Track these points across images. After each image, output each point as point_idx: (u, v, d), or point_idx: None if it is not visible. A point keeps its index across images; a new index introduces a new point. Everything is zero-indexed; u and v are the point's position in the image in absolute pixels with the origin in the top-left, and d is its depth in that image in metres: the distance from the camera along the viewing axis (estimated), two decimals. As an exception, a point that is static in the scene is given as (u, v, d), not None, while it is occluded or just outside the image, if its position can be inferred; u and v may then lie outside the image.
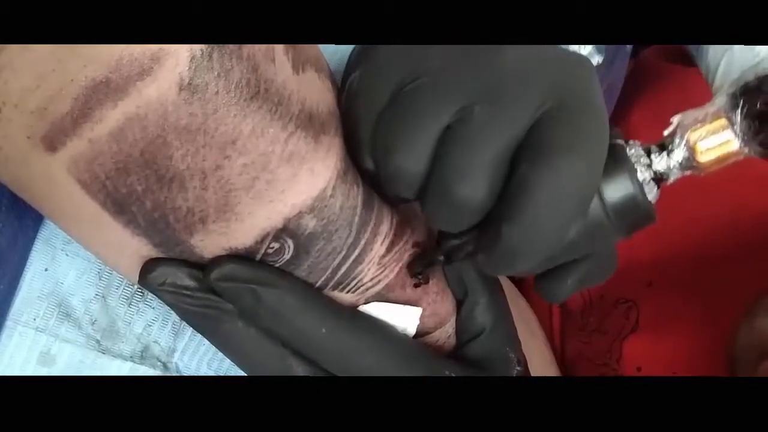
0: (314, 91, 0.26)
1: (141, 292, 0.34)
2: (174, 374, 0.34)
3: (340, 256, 0.27)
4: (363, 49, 0.27)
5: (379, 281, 0.28)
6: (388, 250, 0.28)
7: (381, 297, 0.28)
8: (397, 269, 0.28)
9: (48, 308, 0.33)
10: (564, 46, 0.28)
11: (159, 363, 0.34)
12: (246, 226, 0.25)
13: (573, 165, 0.23)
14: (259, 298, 0.26)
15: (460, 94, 0.24)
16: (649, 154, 0.26)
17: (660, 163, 0.26)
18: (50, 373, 0.33)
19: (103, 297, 0.33)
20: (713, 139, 0.26)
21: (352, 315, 0.27)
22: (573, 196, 0.23)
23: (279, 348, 0.27)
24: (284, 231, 0.25)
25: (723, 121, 0.26)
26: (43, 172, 0.23)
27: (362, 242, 0.27)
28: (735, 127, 0.26)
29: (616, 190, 0.26)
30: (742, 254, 0.49)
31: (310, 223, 0.25)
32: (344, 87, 0.27)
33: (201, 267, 0.26)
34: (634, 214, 0.26)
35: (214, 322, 0.27)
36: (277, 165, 0.24)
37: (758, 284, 0.47)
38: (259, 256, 0.26)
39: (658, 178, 0.26)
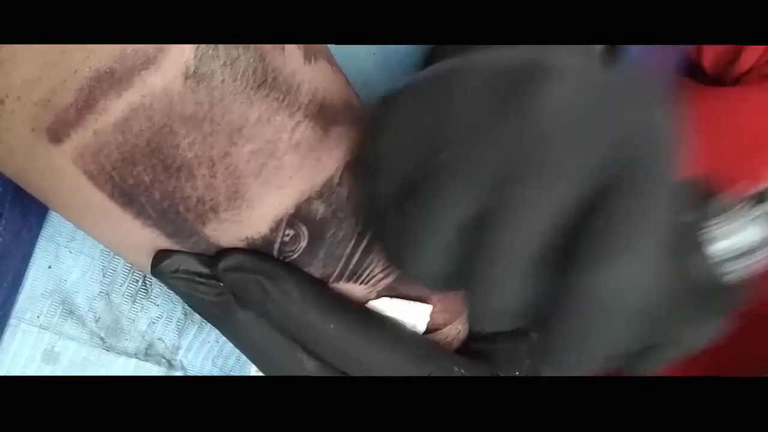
0: (328, 82, 0.26)
1: (145, 290, 0.34)
2: (179, 371, 0.34)
3: (352, 243, 0.26)
4: (377, 119, 0.23)
5: (390, 272, 0.28)
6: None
7: (392, 290, 0.28)
8: None
9: (52, 306, 0.33)
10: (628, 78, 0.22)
11: (164, 360, 0.34)
12: (258, 213, 0.25)
13: (611, 279, 0.19)
14: (266, 290, 0.25)
15: (483, 176, 0.20)
16: (730, 218, 0.21)
17: (743, 236, 0.21)
18: (54, 370, 0.32)
19: (107, 294, 0.33)
20: None
21: (361, 312, 0.27)
22: (616, 312, 0.20)
23: (290, 341, 0.26)
24: (297, 216, 0.25)
25: None
26: (49, 164, 0.23)
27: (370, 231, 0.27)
28: None
29: (691, 278, 0.21)
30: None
31: (320, 209, 0.25)
32: (360, 156, 0.25)
33: (212, 256, 0.26)
34: (717, 298, 0.22)
35: (226, 311, 0.26)
36: (284, 152, 0.24)
37: None
38: (276, 246, 0.25)
39: (746, 252, 0.22)
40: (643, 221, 0.19)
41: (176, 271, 0.26)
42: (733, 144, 0.45)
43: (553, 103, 0.20)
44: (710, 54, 0.54)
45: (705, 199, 0.22)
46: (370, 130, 0.24)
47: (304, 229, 0.25)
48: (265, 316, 0.26)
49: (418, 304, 0.28)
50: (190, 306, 0.27)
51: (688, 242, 0.21)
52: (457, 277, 0.21)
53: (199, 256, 0.26)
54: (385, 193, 0.22)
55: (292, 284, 0.26)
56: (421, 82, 0.22)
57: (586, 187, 0.20)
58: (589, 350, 0.21)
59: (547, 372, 0.25)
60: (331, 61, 0.27)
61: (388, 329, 0.27)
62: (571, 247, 0.20)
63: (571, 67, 0.20)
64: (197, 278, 0.26)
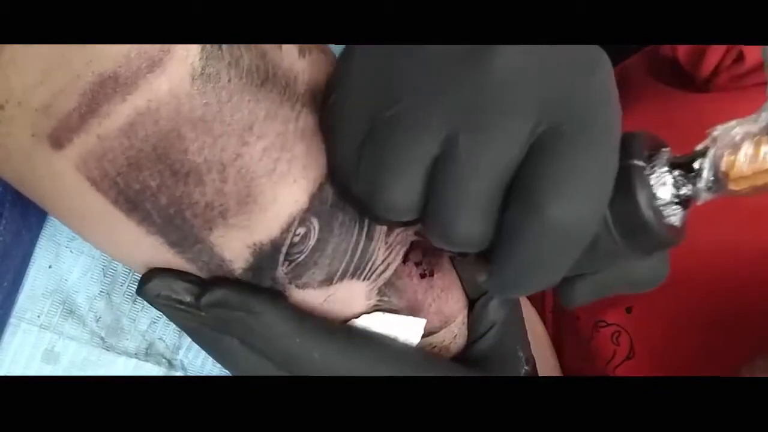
0: (321, 72, 0.26)
1: (145, 290, 0.34)
2: (179, 371, 0.34)
3: (356, 230, 0.26)
4: (339, 69, 0.25)
5: (389, 265, 0.28)
6: (390, 228, 0.28)
7: (392, 286, 0.28)
8: (402, 252, 0.28)
9: (52, 305, 0.33)
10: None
11: (164, 360, 0.34)
12: (270, 215, 0.25)
13: (564, 212, 0.21)
14: (249, 326, 0.25)
15: (442, 121, 0.22)
16: (675, 169, 0.23)
17: (685, 187, 0.23)
18: (54, 370, 0.32)
19: (107, 294, 0.33)
20: (750, 166, 0.22)
21: (347, 337, 0.27)
22: (565, 243, 0.22)
23: (276, 368, 0.27)
24: (310, 210, 0.25)
25: (765, 148, 0.22)
26: (50, 170, 0.23)
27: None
28: None
29: (625, 217, 0.23)
30: (746, 292, 0.48)
31: (330, 193, 0.25)
32: (323, 109, 0.26)
33: (199, 281, 0.26)
34: (648, 240, 0.23)
35: (211, 338, 0.27)
36: (293, 143, 0.24)
37: (764, 325, 0.45)
38: (284, 249, 0.25)
39: (685, 200, 0.23)
40: (587, 162, 0.21)
41: (158, 296, 0.26)
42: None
43: (502, 58, 0.21)
44: (683, 50, 0.55)
45: (653, 150, 0.24)
46: (331, 80, 0.25)
47: (315, 224, 0.25)
48: (249, 346, 0.26)
49: (410, 318, 0.28)
50: (176, 325, 0.27)
51: (631, 185, 0.23)
52: (421, 213, 0.23)
53: (184, 283, 0.26)
54: (346, 141, 0.23)
55: (275, 317, 0.25)
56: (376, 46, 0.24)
57: (535, 129, 0.21)
58: (535, 274, 0.22)
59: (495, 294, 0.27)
60: (325, 50, 0.27)
61: (375, 349, 0.27)
62: (523, 185, 0.21)
63: None
64: (178, 306, 0.26)
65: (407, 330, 0.28)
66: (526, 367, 0.30)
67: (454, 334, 0.30)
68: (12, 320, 0.32)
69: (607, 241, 0.23)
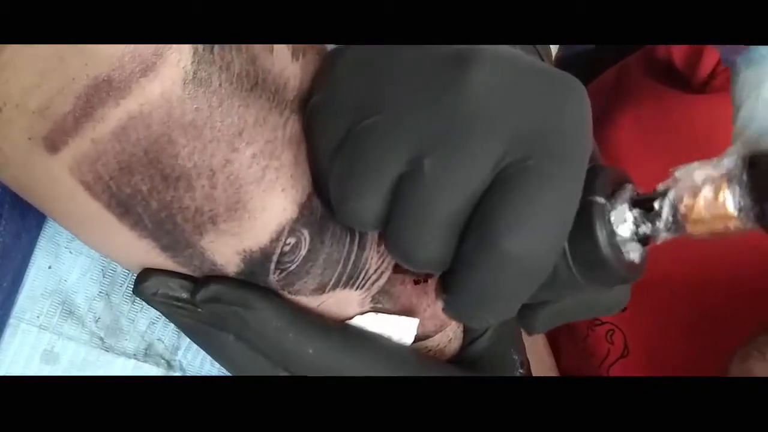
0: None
1: (144, 290, 0.34)
2: (178, 372, 0.34)
3: (348, 240, 0.26)
4: (324, 69, 0.25)
5: (382, 273, 0.28)
6: (381, 235, 0.28)
7: (386, 293, 0.28)
8: (394, 260, 0.28)
9: (51, 306, 0.33)
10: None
11: (163, 361, 0.34)
12: (260, 224, 0.25)
13: (520, 247, 0.21)
14: (245, 320, 0.26)
15: (411, 142, 0.22)
16: (635, 207, 0.23)
17: (645, 225, 0.23)
18: (54, 371, 0.33)
19: (107, 294, 0.33)
20: (708, 211, 0.22)
21: (341, 333, 0.27)
22: (520, 278, 0.22)
23: (271, 364, 0.27)
24: (299, 221, 0.25)
25: (724, 193, 0.22)
26: (45, 174, 0.23)
27: None
28: (736, 200, 0.22)
29: (583, 253, 0.23)
30: (735, 288, 0.48)
31: (318, 203, 0.25)
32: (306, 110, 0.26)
33: (195, 278, 0.26)
34: (606, 275, 0.23)
35: (207, 335, 0.27)
36: (281, 150, 0.24)
37: (752, 319, 0.45)
38: (275, 257, 0.25)
39: (644, 237, 0.23)
40: (549, 200, 0.21)
41: (155, 294, 0.26)
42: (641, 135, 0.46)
43: (477, 83, 0.22)
44: (679, 53, 0.55)
45: (616, 185, 0.24)
46: (315, 79, 0.25)
47: (306, 234, 0.25)
48: (244, 341, 0.26)
49: (403, 318, 0.28)
50: (173, 323, 0.27)
51: (591, 221, 0.23)
52: (384, 227, 0.23)
53: (179, 280, 0.26)
54: (323, 145, 0.24)
55: (269, 312, 0.26)
56: (362, 50, 0.24)
57: (501, 161, 0.21)
58: (490, 306, 0.23)
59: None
60: (321, 51, 0.27)
61: (370, 348, 0.27)
62: (483, 215, 0.21)
63: (499, 54, 0.22)
64: (175, 303, 0.26)
65: (400, 329, 0.28)
66: (521, 370, 0.30)
67: (449, 338, 0.30)
68: (11, 321, 0.32)
69: (566, 274, 0.23)
